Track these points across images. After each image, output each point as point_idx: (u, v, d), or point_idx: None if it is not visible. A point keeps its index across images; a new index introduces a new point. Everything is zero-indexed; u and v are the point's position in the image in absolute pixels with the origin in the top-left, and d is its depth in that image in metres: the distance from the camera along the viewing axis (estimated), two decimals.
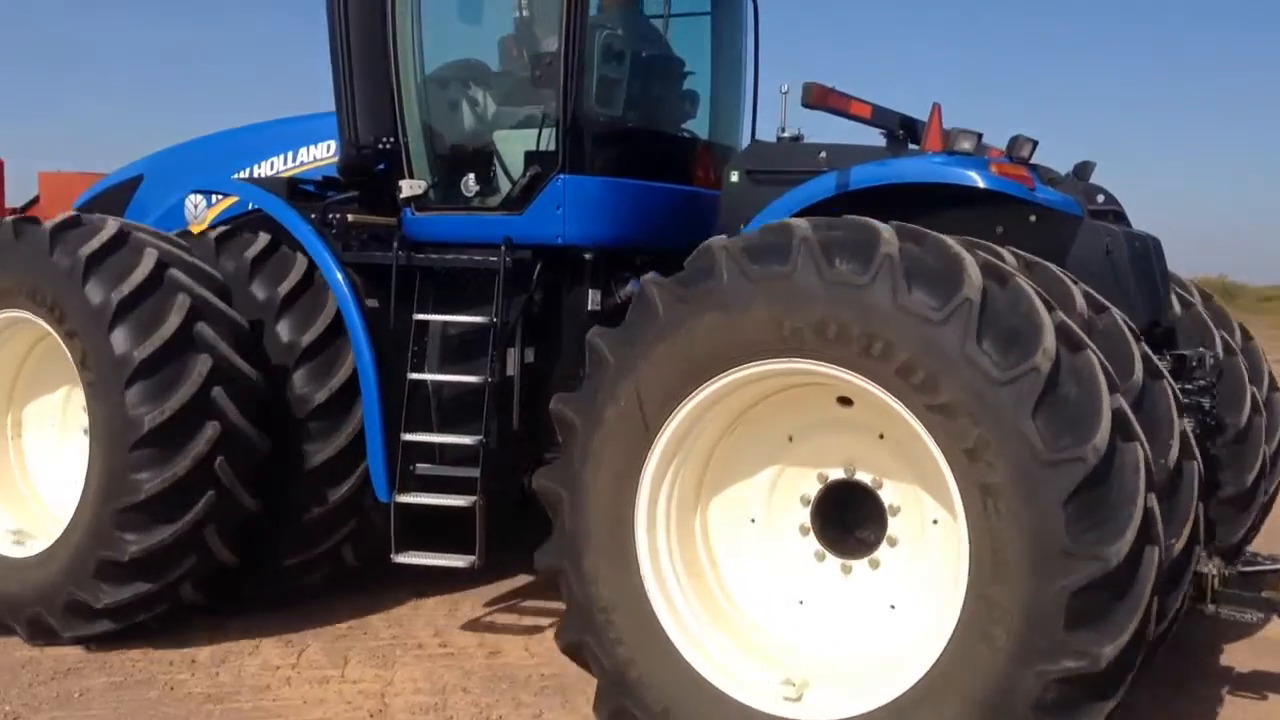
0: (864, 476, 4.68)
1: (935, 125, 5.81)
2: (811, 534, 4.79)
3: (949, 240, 4.26)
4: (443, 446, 6.17)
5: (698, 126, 6.82)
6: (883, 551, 4.69)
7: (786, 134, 5.95)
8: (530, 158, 6.10)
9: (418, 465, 6.15)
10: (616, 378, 4.63)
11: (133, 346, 5.62)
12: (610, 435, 4.65)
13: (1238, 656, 6.14)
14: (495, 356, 6.04)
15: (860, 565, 4.71)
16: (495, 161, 6.28)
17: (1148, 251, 5.48)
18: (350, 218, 6.32)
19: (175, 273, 5.91)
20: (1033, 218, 5.16)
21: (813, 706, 4.40)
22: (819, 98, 5.11)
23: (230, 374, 5.84)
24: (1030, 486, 3.85)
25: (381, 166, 6.58)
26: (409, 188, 6.39)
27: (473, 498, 5.94)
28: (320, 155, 7.24)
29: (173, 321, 5.69)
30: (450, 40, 6.61)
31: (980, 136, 5.17)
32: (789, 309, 4.26)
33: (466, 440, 6.01)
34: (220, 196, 7.40)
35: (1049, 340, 3.92)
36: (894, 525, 4.64)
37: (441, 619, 6.67)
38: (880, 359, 4.11)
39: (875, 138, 5.89)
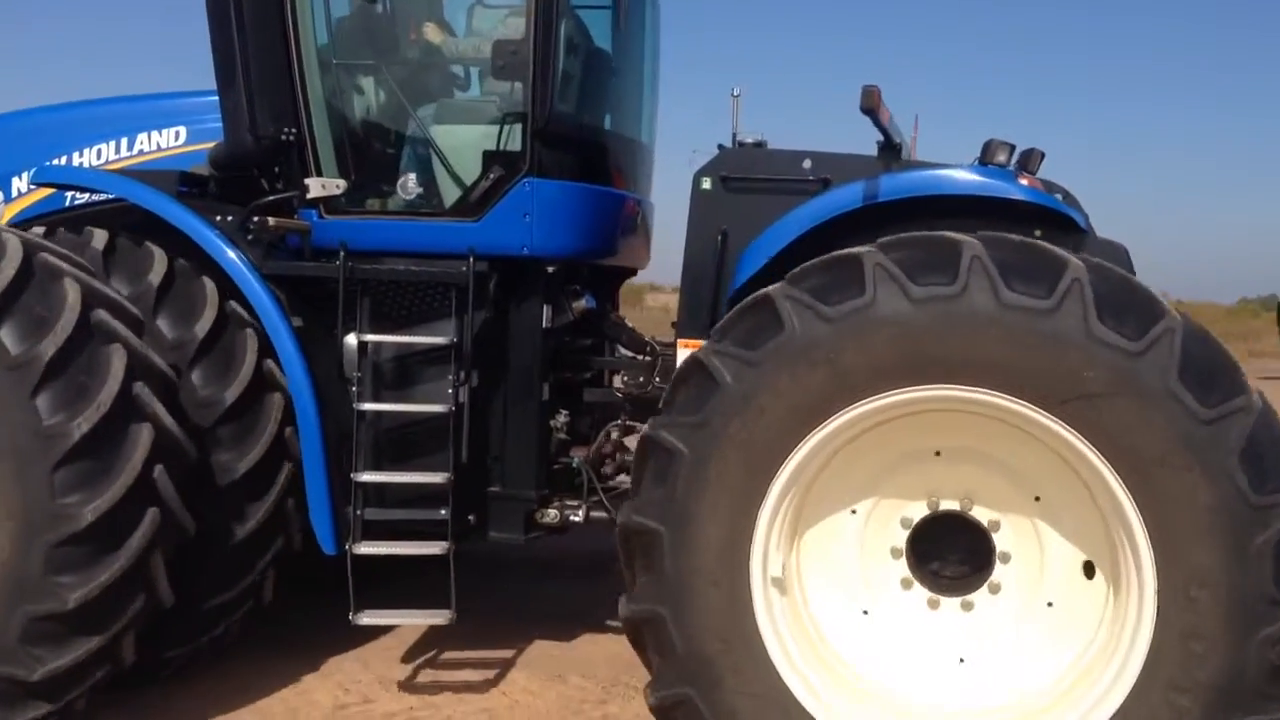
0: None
1: (914, 136, 5.78)
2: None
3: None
4: (399, 487, 5.38)
5: (627, 128, 6.38)
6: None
7: (750, 140, 5.68)
8: (490, 158, 5.44)
9: (367, 510, 5.32)
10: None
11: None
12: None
13: None
14: (455, 381, 5.36)
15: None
16: (439, 160, 5.55)
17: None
18: (271, 221, 5.34)
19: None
20: (1038, 232, 5.18)
21: None
22: (877, 101, 4.88)
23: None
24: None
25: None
26: (320, 187, 5.51)
27: (444, 543, 5.25)
28: (166, 144, 6.13)
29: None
30: (369, 16, 5.76)
31: (1014, 149, 5.15)
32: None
33: (434, 478, 5.28)
34: (25, 190, 6.11)
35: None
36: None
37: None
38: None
39: (811, 142, 5.72)
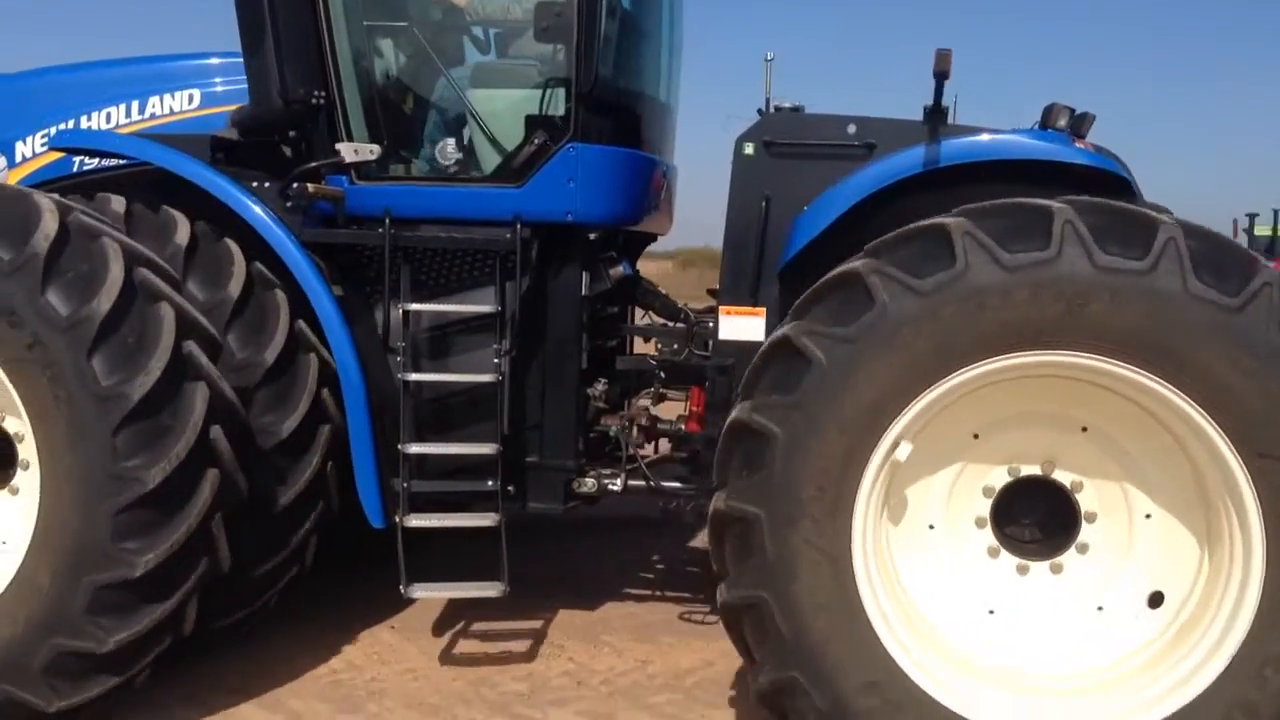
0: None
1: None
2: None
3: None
4: (446, 458, 5.28)
5: (658, 90, 6.28)
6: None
7: (787, 105, 5.62)
8: (532, 122, 5.32)
9: (414, 482, 5.22)
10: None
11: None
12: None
13: None
14: (500, 350, 5.27)
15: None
16: (477, 125, 5.41)
17: None
18: (311, 188, 5.18)
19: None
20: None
21: None
22: (949, 64, 4.82)
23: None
24: None
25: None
26: (354, 152, 5.34)
27: (494, 515, 5.18)
28: (179, 107, 5.90)
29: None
30: None
31: (1072, 112, 5.14)
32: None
33: (483, 449, 5.19)
34: (32, 154, 5.87)
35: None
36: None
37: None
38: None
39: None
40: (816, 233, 4.99)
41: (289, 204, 5.20)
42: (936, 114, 5.27)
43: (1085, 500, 4.44)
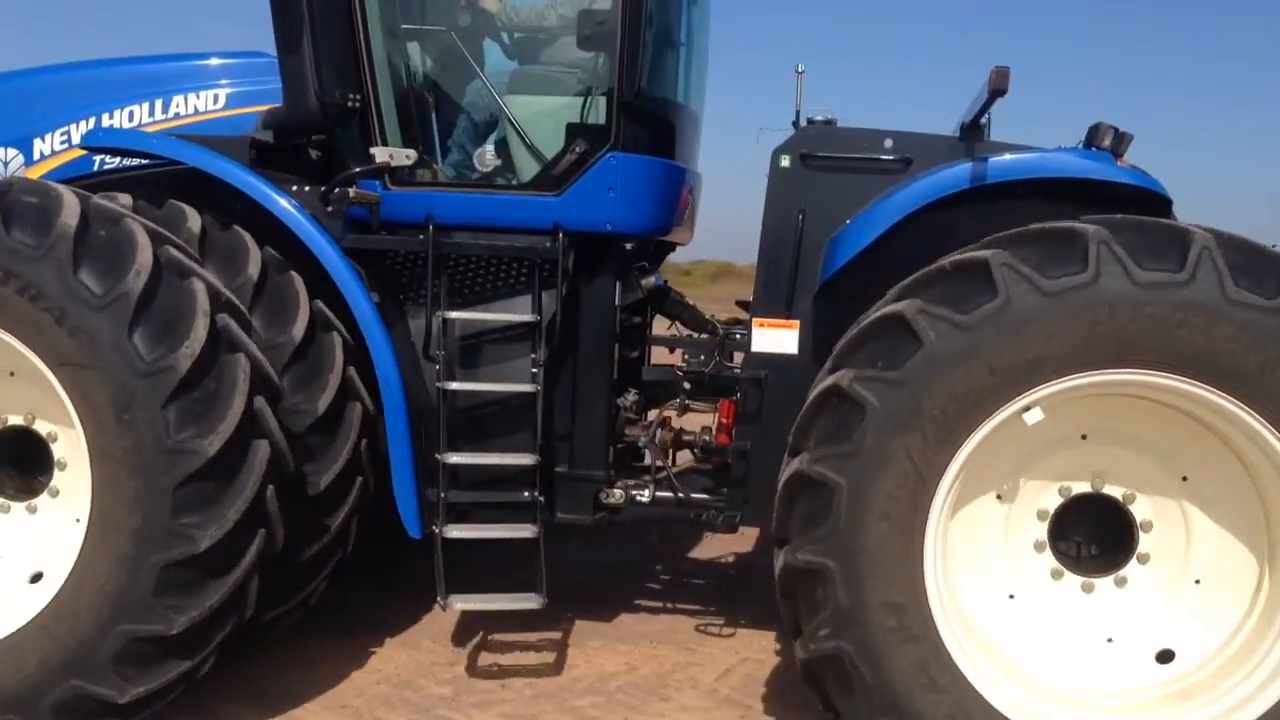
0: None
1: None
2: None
3: None
4: (482, 468, 5.23)
5: (690, 99, 6.25)
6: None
7: (819, 118, 5.63)
8: (573, 131, 5.28)
9: (452, 492, 5.16)
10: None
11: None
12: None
13: None
14: (539, 360, 5.23)
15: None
16: (515, 132, 5.36)
17: None
18: (352, 193, 5.10)
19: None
20: (1118, 215, 5.21)
21: None
22: (1008, 81, 4.83)
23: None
24: None
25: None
26: (390, 156, 5.28)
27: (533, 526, 5.14)
28: (204, 107, 5.79)
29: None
30: None
31: (1116, 130, 5.18)
32: None
33: (521, 459, 5.15)
34: (49, 152, 5.74)
35: None
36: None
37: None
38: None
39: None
40: (863, 246, 4.99)
41: (329, 208, 5.12)
42: (974, 130, 5.32)
43: (1147, 540, 4.48)
